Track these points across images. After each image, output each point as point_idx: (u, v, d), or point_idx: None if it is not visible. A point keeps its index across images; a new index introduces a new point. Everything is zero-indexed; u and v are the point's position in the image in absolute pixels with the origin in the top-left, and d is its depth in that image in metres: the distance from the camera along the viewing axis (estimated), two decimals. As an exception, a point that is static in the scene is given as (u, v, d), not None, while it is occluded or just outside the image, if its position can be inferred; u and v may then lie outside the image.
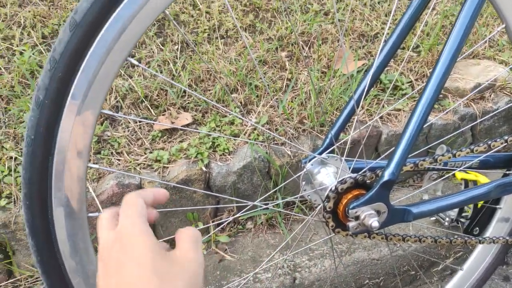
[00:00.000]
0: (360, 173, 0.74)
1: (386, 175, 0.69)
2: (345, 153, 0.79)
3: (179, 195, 1.14)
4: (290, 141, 1.26)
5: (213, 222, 1.24)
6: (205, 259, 1.16)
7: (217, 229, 1.26)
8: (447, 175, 1.26)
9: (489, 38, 1.72)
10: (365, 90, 0.81)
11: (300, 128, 1.30)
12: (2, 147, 1.14)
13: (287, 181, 1.23)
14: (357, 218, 0.71)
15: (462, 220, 1.17)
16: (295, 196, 1.17)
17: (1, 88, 1.26)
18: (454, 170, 0.88)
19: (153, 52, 1.50)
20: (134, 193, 0.47)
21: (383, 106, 1.39)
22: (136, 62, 0.60)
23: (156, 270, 0.38)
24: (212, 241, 1.20)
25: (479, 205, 1.09)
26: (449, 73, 0.70)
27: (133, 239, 0.41)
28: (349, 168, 0.84)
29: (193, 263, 0.42)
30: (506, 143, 0.81)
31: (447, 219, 1.19)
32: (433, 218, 1.26)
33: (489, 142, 0.79)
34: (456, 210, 1.17)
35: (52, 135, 0.56)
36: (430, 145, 1.30)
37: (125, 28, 0.55)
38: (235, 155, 1.21)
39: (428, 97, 0.68)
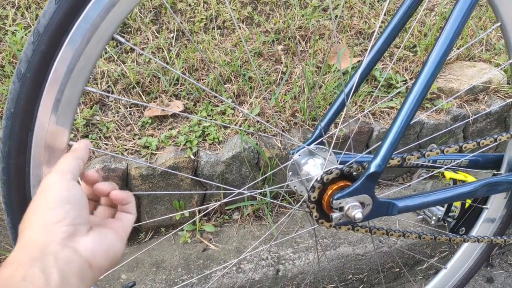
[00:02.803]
0: (346, 164, 0.73)
1: (372, 167, 0.68)
2: (331, 145, 0.78)
3: (166, 183, 1.13)
4: (282, 132, 1.26)
5: (199, 212, 1.23)
6: (189, 248, 1.16)
7: (199, 216, 1.25)
8: (433, 172, 1.26)
9: (486, 41, 1.72)
10: (354, 84, 0.80)
11: (292, 121, 1.30)
12: (-11, 126, 1.13)
13: (275, 171, 1.22)
14: (341, 209, 0.70)
15: (449, 219, 1.17)
16: (281, 185, 1.17)
17: (-10, 67, 1.25)
18: (441, 167, 0.88)
19: (148, 39, 1.48)
20: (71, 155, 0.51)
21: (376, 103, 1.39)
22: (123, 40, 0.58)
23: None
24: (197, 230, 1.19)
25: (467, 205, 1.09)
26: (438, 72, 0.69)
27: (49, 185, 0.45)
28: (337, 160, 0.83)
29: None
30: (495, 142, 0.80)
31: (433, 218, 1.19)
32: (420, 217, 1.26)
33: (478, 140, 0.78)
34: (443, 209, 1.17)
35: (33, 109, 0.55)
36: (419, 142, 1.29)
37: (113, 3, 0.54)
38: (224, 144, 1.20)
39: (416, 94, 0.68)
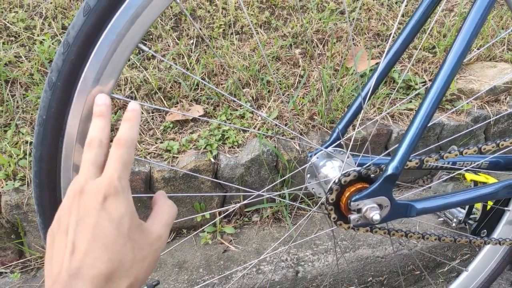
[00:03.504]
0: (364, 166, 0.74)
1: (390, 169, 0.69)
2: (349, 147, 0.79)
3: (187, 185, 1.16)
4: (300, 135, 1.27)
5: (219, 214, 1.26)
6: (210, 249, 1.18)
7: (219, 218, 1.28)
8: (453, 174, 1.25)
9: (508, 41, 1.69)
10: (371, 87, 0.81)
11: (310, 124, 1.31)
12: (19, 131, 1.18)
13: (292, 173, 1.23)
14: (359, 211, 0.71)
15: (470, 221, 1.15)
16: (299, 187, 1.18)
17: (20, 75, 1.31)
18: (461, 169, 0.88)
19: (169, 45, 1.52)
20: (124, 139, 0.45)
21: (394, 105, 1.38)
22: (146, 49, 0.61)
23: (130, 237, 0.39)
24: (217, 232, 1.22)
25: (488, 207, 1.07)
26: (455, 73, 0.69)
27: (118, 199, 0.40)
28: (355, 162, 0.84)
29: (161, 240, 0.43)
30: (515, 143, 0.80)
31: (454, 220, 1.18)
32: (441, 219, 1.25)
33: (498, 141, 0.78)
34: (464, 211, 1.16)
35: (63, 116, 0.58)
36: (439, 143, 1.28)
37: (137, 15, 0.57)
38: (244, 148, 1.22)
39: (434, 95, 0.68)
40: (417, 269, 1.19)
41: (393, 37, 0.85)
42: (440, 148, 1.39)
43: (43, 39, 1.43)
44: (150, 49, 1.49)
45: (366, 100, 0.80)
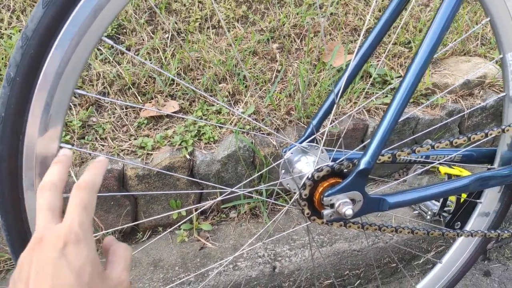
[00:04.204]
0: (337, 162, 0.74)
1: (362, 164, 0.69)
2: (322, 142, 0.79)
3: (162, 182, 1.14)
4: (275, 131, 1.26)
5: (196, 211, 1.24)
6: (186, 246, 1.17)
7: (195, 214, 1.26)
8: (426, 168, 1.26)
9: (481, 36, 1.72)
10: (344, 82, 0.81)
11: (287, 119, 1.30)
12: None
13: (267, 169, 1.23)
14: (332, 206, 0.71)
15: (444, 214, 1.17)
16: (271, 183, 1.17)
17: (-14, 71, 1.26)
18: (433, 163, 0.88)
19: (143, 39, 1.49)
20: (85, 183, 0.44)
21: (371, 100, 1.39)
22: (110, 42, 0.59)
23: (91, 286, 0.38)
24: (194, 229, 1.20)
25: (462, 200, 1.09)
26: (426, 68, 0.69)
27: (79, 246, 0.38)
28: (330, 157, 0.84)
29: (123, 285, 0.42)
30: (486, 136, 0.81)
31: (429, 213, 1.20)
32: (416, 212, 1.27)
33: (469, 135, 0.79)
34: (439, 204, 1.18)
35: (23, 113, 0.56)
36: (414, 136, 1.30)
37: (101, 7, 0.55)
38: (220, 144, 1.21)
39: (404, 90, 0.68)
40: (393, 261, 1.20)
41: (365, 32, 0.85)
42: (415, 142, 1.40)
43: (11, 33, 1.38)
44: (122, 43, 1.46)
45: (339, 95, 0.80)
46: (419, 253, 1.24)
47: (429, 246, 1.27)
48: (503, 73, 0.84)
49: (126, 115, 1.28)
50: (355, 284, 1.21)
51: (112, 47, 1.44)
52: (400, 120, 1.33)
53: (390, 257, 1.19)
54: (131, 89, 1.32)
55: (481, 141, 0.83)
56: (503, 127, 0.81)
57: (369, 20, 1.69)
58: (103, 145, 1.17)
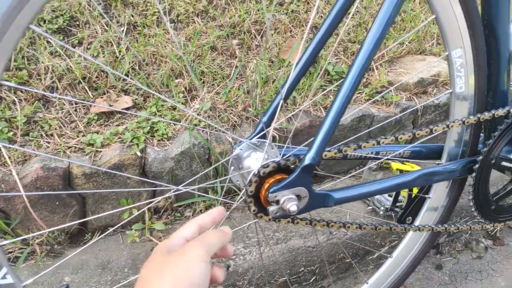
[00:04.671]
0: (283, 157, 0.73)
1: (307, 160, 0.68)
2: (269, 138, 0.78)
3: (111, 181, 1.10)
4: (233, 128, 1.24)
5: (148, 210, 1.20)
6: (138, 247, 1.13)
7: (144, 210, 1.23)
8: (374, 163, 1.28)
9: (437, 35, 1.76)
10: (291, 79, 0.80)
11: (244, 115, 1.28)
12: None
13: (213, 167, 1.21)
14: (277, 202, 0.70)
15: (397, 209, 1.19)
16: (213, 181, 1.15)
17: None
18: (381, 158, 0.89)
19: (97, 32, 1.43)
20: (225, 235, 0.57)
21: (328, 97, 1.40)
22: (39, 30, 0.55)
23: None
24: (146, 229, 1.17)
25: (413, 195, 1.11)
26: (368, 65, 0.69)
27: (193, 259, 0.48)
28: (280, 153, 0.83)
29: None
30: (431, 133, 0.82)
31: (382, 208, 1.22)
32: (370, 207, 1.28)
33: (414, 131, 0.80)
34: (391, 199, 1.19)
35: None
36: (364, 132, 1.31)
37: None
38: (174, 140, 1.18)
39: (348, 87, 0.68)
40: (348, 257, 1.21)
41: (311, 30, 0.84)
42: (371, 137, 1.42)
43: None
44: (75, 35, 1.40)
45: (284, 91, 0.79)
46: (373, 248, 1.26)
47: (382, 241, 1.29)
48: (449, 70, 0.86)
49: (75, 110, 1.22)
50: (311, 281, 1.21)
51: (63, 39, 1.38)
52: (355, 117, 1.34)
53: (344, 252, 1.20)
54: (82, 83, 1.26)
55: (427, 137, 0.84)
56: (447, 123, 0.83)
57: (313, 19, 1.69)
58: (48, 142, 1.12)
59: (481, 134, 0.95)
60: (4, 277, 0.58)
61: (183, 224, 1.22)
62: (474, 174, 0.90)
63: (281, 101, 0.78)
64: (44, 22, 1.39)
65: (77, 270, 1.05)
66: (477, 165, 0.89)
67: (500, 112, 0.86)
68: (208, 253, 0.50)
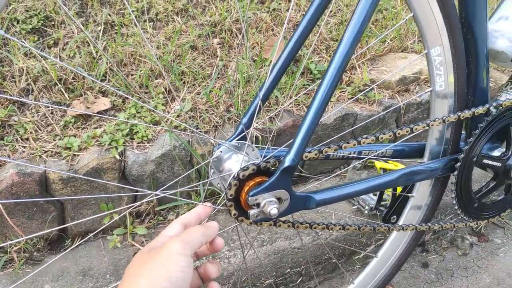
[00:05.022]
0: (263, 159, 0.71)
1: (287, 162, 0.67)
2: (248, 140, 0.76)
3: (90, 185, 1.06)
4: (215, 129, 1.22)
5: (130, 214, 1.18)
6: (120, 253, 1.10)
7: (123, 215, 1.20)
8: (354, 163, 1.28)
9: (416, 31, 1.77)
10: (268, 79, 0.79)
11: (226, 116, 1.27)
12: None
13: (193, 169, 1.19)
14: (257, 205, 0.68)
15: (381, 208, 1.19)
16: (196, 184, 1.13)
17: None
18: (363, 158, 0.88)
19: (73, 32, 1.39)
20: (209, 230, 0.57)
21: (311, 96, 1.39)
22: (8, 36, 0.52)
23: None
24: (128, 234, 1.14)
25: (397, 194, 1.11)
26: (347, 63, 0.68)
27: (172, 254, 0.48)
28: (261, 155, 0.81)
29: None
30: (411, 132, 0.81)
31: (366, 207, 1.21)
32: (355, 207, 1.28)
33: (394, 130, 0.79)
34: (375, 198, 1.19)
35: None
36: (346, 131, 1.31)
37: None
38: (154, 143, 1.15)
39: (326, 87, 0.67)
40: (334, 257, 1.21)
41: (288, 28, 0.83)
42: (354, 137, 1.42)
43: None
44: (50, 36, 1.36)
45: (263, 91, 0.77)
46: (358, 248, 1.25)
47: (368, 240, 1.28)
48: (429, 68, 0.85)
49: (51, 113, 1.19)
50: (297, 282, 1.20)
51: (38, 39, 1.33)
52: (338, 116, 1.33)
53: (329, 253, 1.19)
54: (58, 85, 1.22)
55: (407, 136, 0.84)
56: (428, 121, 0.82)
57: (287, 17, 1.68)
58: (24, 147, 1.08)
59: (462, 132, 0.95)
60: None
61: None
62: (456, 172, 0.90)
63: (259, 103, 0.76)
64: (18, 22, 1.35)
65: (57, 278, 1.02)
66: (459, 163, 0.89)
67: (480, 110, 0.86)
68: (189, 247, 0.49)
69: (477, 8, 0.83)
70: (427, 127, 0.82)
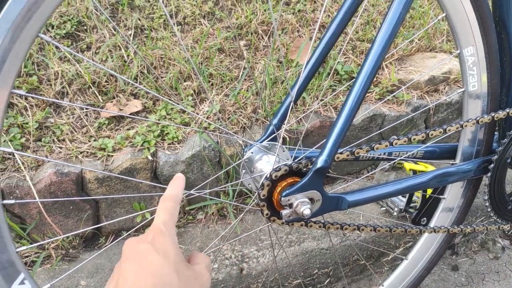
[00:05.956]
0: (295, 160, 0.72)
1: (319, 163, 0.68)
2: (280, 141, 0.77)
3: (124, 185, 1.10)
4: (243, 130, 1.24)
5: (153, 212, 1.20)
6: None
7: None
8: (386, 164, 1.27)
9: (447, 32, 1.74)
10: (302, 80, 0.80)
11: (253, 117, 1.28)
12: None
13: (223, 171, 1.21)
14: (290, 206, 0.69)
15: (411, 210, 1.18)
16: (225, 184, 1.15)
17: None
18: (395, 159, 0.88)
19: (105, 36, 1.44)
20: (170, 195, 0.53)
21: (338, 97, 1.38)
22: (48, 39, 0.55)
23: (176, 268, 0.44)
24: (159, 232, 1.17)
25: (427, 196, 1.09)
26: (379, 64, 0.68)
27: (163, 237, 0.46)
28: (291, 156, 0.82)
29: (205, 278, 0.48)
30: (445, 132, 0.81)
31: (396, 209, 1.20)
32: (383, 209, 1.27)
33: (427, 131, 0.79)
34: (405, 200, 1.18)
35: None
36: (376, 133, 1.30)
37: (34, 3, 0.51)
38: (184, 144, 1.18)
39: (359, 87, 0.67)
40: (362, 259, 1.20)
41: (320, 29, 0.83)
42: (382, 138, 1.41)
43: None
44: (83, 40, 1.40)
45: (295, 92, 0.78)
46: (387, 250, 1.24)
47: (397, 242, 1.27)
48: (461, 68, 0.84)
49: (86, 115, 1.23)
50: (325, 283, 1.20)
51: (72, 44, 1.38)
52: (366, 117, 1.33)
53: (358, 254, 1.18)
54: (91, 88, 1.27)
55: (440, 137, 0.83)
56: (461, 122, 0.82)
57: (321, 18, 1.68)
58: (60, 147, 1.12)
59: (495, 133, 0.93)
60: (22, 283, 0.58)
61: (196, 227, 1.23)
62: (489, 174, 0.88)
63: (292, 103, 0.77)
64: (52, 27, 1.40)
65: (93, 274, 1.06)
66: (492, 165, 0.88)
67: (516, 110, 0.84)
68: (170, 215, 0.50)
69: (511, 6, 0.81)
70: (461, 128, 0.81)
